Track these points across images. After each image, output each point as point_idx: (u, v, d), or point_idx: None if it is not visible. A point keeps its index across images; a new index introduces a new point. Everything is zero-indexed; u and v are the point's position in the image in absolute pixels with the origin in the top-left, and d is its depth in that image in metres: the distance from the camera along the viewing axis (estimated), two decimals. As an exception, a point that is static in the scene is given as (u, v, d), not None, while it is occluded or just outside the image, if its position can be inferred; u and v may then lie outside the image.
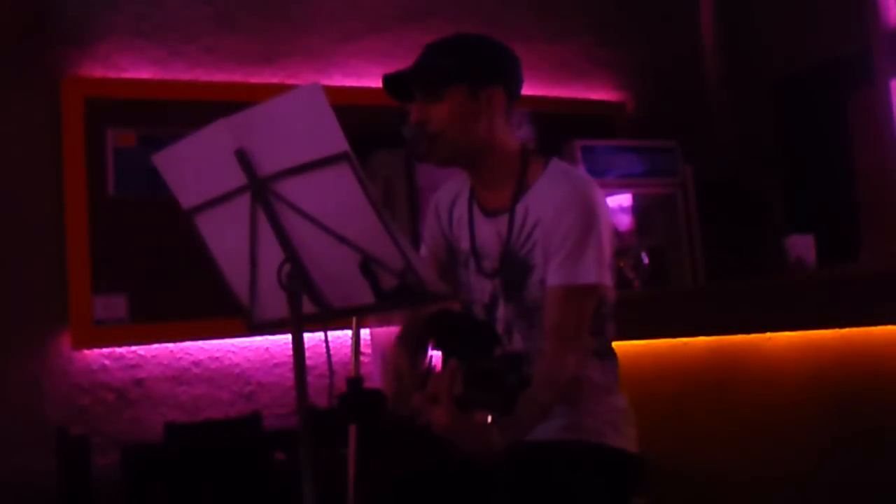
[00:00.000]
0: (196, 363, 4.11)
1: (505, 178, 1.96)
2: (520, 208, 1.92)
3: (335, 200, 1.50)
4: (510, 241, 1.92)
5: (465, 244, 2.02)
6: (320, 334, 1.69)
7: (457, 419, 1.59)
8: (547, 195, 1.89)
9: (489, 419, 1.63)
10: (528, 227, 1.90)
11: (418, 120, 1.91)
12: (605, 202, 1.90)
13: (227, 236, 1.65)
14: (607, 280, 1.87)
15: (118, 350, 3.98)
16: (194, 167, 1.64)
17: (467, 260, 2.01)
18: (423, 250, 2.12)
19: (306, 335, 1.58)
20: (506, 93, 1.93)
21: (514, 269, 1.92)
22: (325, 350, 1.69)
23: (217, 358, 4.15)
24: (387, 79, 1.95)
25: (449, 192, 2.11)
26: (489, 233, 1.97)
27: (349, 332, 3.26)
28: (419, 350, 1.99)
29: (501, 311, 1.94)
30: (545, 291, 1.86)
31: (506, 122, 1.95)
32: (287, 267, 1.57)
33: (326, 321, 1.63)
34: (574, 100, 5.03)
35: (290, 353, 1.59)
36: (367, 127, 2.71)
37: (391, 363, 1.95)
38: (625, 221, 4.80)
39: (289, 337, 1.58)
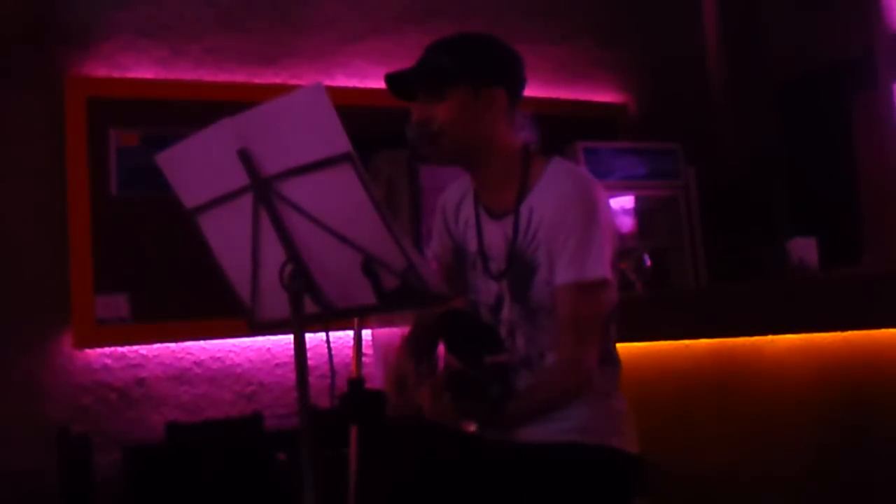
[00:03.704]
0: (198, 363, 4.12)
1: (507, 179, 1.96)
2: (524, 209, 1.92)
3: (338, 201, 1.50)
4: (516, 242, 1.92)
5: (472, 246, 2.02)
6: (322, 335, 1.69)
7: (435, 403, 1.68)
8: (549, 193, 1.90)
9: (473, 427, 1.65)
10: (534, 227, 1.90)
11: (420, 119, 1.91)
12: (605, 198, 1.90)
13: (229, 236, 1.65)
14: (611, 274, 1.88)
15: (120, 349, 3.98)
16: (197, 167, 1.64)
17: (475, 262, 2.01)
18: (430, 253, 2.12)
19: (308, 335, 1.58)
20: (507, 93, 1.94)
21: (520, 269, 1.92)
22: (326, 350, 1.69)
23: (219, 358, 4.15)
24: (390, 78, 1.95)
25: (454, 194, 2.11)
26: (496, 235, 1.97)
27: (351, 333, 3.25)
28: (423, 355, 1.99)
29: (506, 313, 1.95)
30: (553, 291, 1.87)
31: (507, 122, 1.95)
32: (289, 267, 1.57)
33: (328, 321, 1.63)
34: (577, 101, 5.04)
35: (292, 353, 1.59)
36: (370, 128, 2.71)
37: (395, 368, 1.96)
38: (627, 223, 4.80)
39: (290, 337, 1.58)
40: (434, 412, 1.72)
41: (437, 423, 1.75)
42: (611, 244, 1.88)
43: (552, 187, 1.90)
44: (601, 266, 1.84)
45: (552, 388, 1.86)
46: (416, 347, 2.04)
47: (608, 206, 1.91)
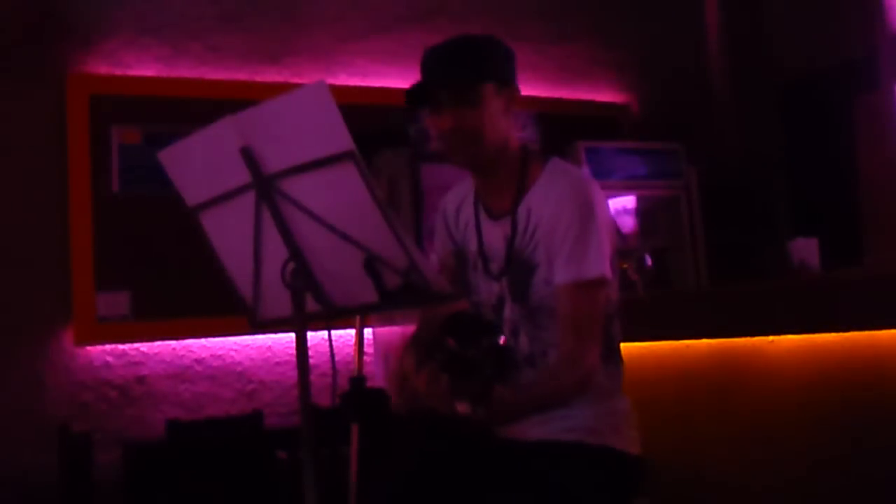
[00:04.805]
0: (198, 361, 4.12)
1: (507, 180, 1.96)
2: (522, 210, 1.93)
3: (340, 199, 1.50)
4: (514, 243, 1.93)
5: (472, 247, 2.02)
6: (323, 333, 1.69)
7: (431, 386, 1.66)
8: (546, 194, 1.90)
9: (466, 408, 1.65)
10: (531, 227, 1.91)
11: (454, 126, 1.87)
12: (602, 198, 1.91)
13: (231, 234, 1.65)
14: (610, 272, 1.88)
15: (121, 347, 3.98)
16: (199, 165, 1.64)
17: (475, 262, 2.02)
18: (434, 256, 2.12)
19: (309, 334, 1.58)
20: (517, 90, 1.95)
21: (519, 269, 1.92)
22: (327, 349, 1.69)
23: (219, 356, 4.16)
24: (414, 89, 1.90)
25: (455, 197, 2.12)
26: (495, 235, 1.97)
27: (352, 332, 3.26)
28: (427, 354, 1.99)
29: (508, 313, 1.95)
30: (552, 290, 1.87)
31: (513, 121, 1.96)
32: (291, 265, 1.57)
33: (330, 320, 1.63)
34: (579, 101, 5.03)
35: (293, 351, 1.59)
36: (372, 126, 2.71)
37: (399, 364, 1.96)
38: (628, 223, 4.80)
39: (291, 335, 1.58)
40: (429, 395, 1.71)
41: (434, 409, 1.73)
42: (609, 242, 1.88)
43: (549, 188, 1.91)
44: (599, 264, 1.84)
45: (551, 384, 1.86)
46: (420, 349, 2.04)
47: (605, 206, 1.91)
